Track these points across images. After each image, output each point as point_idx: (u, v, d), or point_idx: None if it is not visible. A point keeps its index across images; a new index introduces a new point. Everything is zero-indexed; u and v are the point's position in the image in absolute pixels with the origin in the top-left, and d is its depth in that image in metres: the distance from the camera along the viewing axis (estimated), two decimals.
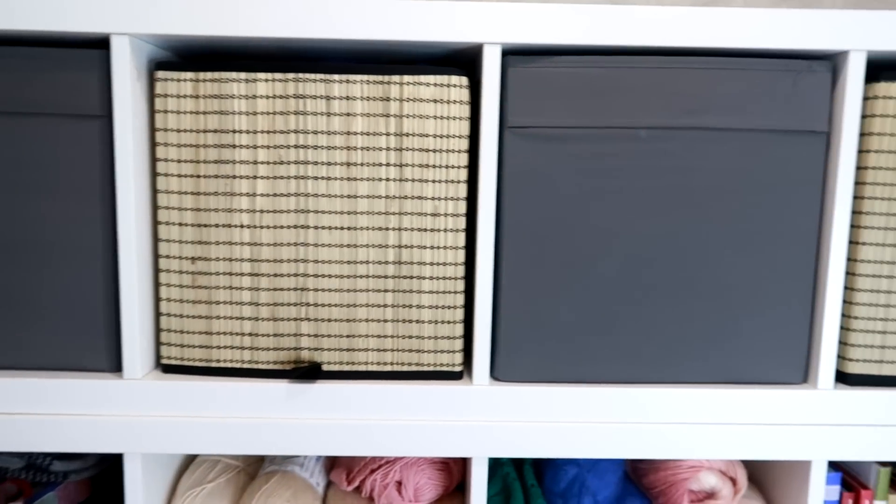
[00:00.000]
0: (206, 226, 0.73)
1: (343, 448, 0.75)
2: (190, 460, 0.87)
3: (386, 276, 0.74)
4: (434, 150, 0.72)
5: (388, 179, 0.72)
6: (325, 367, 0.75)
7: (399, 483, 0.81)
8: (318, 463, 0.88)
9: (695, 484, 0.80)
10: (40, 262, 0.73)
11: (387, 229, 0.73)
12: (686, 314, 0.75)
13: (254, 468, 0.88)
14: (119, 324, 0.74)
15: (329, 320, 0.74)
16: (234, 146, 0.71)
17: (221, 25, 0.69)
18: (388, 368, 0.76)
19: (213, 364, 0.75)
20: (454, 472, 0.83)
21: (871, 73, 0.73)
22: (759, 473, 0.89)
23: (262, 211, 0.72)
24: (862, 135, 0.73)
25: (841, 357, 0.77)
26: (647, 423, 0.75)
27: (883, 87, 0.72)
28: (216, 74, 0.71)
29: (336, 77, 0.70)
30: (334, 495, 0.85)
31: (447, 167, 0.72)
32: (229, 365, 0.75)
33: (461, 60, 0.78)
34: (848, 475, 0.88)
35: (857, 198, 0.75)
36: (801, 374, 0.77)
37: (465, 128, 0.72)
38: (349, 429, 0.75)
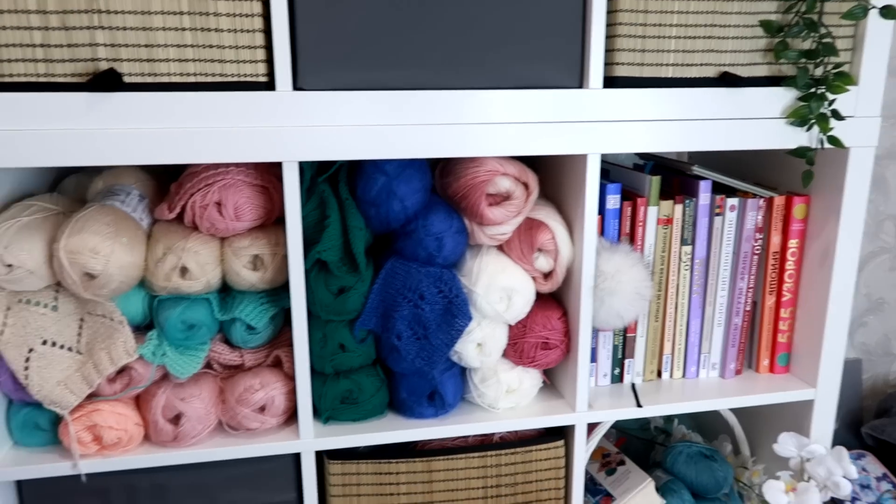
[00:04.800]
0: None
1: (151, 156, 0.77)
2: (5, 207, 0.86)
3: None
4: None
5: None
6: (126, 79, 0.76)
7: (219, 204, 0.85)
8: (140, 202, 0.90)
9: (492, 187, 0.89)
10: None
11: None
12: (475, 20, 0.81)
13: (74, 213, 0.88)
14: None
15: (125, 28, 0.75)
16: None
17: None
18: (192, 80, 0.78)
19: (6, 79, 0.74)
20: (275, 197, 0.88)
21: None
22: (549, 188, 1.00)
23: None
24: None
25: (608, 63, 0.87)
26: (441, 124, 0.83)
27: None
28: None
29: None
30: (159, 228, 0.88)
31: None
32: (23, 79, 0.74)
33: None
34: (626, 188, 1.02)
35: None
36: (577, 78, 0.87)
37: None
38: (155, 137, 0.77)
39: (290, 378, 0.91)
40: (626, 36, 0.86)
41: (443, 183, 0.93)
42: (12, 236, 0.81)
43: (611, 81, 0.87)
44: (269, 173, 0.88)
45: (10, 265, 0.80)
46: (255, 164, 0.87)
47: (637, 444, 1.26)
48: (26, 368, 0.83)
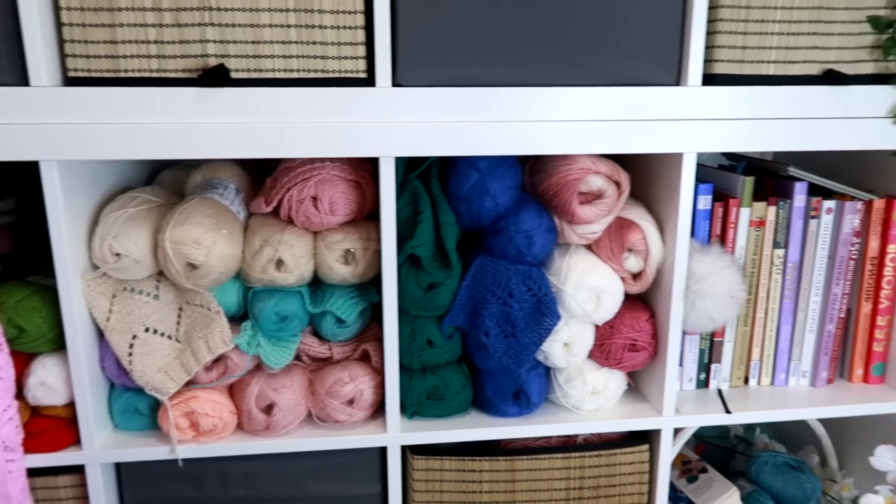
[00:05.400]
0: None
1: (256, 150, 0.79)
2: (113, 198, 0.89)
3: None
4: None
5: None
6: (233, 75, 0.78)
7: (314, 198, 0.86)
8: (237, 196, 0.92)
9: (583, 186, 0.89)
10: None
11: None
12: (571, 17, 0.81)
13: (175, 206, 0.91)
14: (21, 36, 0.74)
15: (234, 25, 0.77)
16: None
17: None
18: (295, 75, 0.79)
19: (121, 74, 0.77)
20: (367, 192, 0.89)
21: None
22: (638, 188, 0.98)
23: None
24: None
25: (707, 61, 0.85)
26: (538, 121, 0.83)
27: None
28: None
29: None
30: (255, 221, 0.90)
31: None
32: (137, 74, 0.77)
33: None
34: (718, 189, 0.99)
35: None
36: (674, 75, 0.85)
37: None
38: (259, 131, 0.79)
39: (378, 372, 0.92)
40: (726, 32, 0.84)
41: (533, 181, 0.93)
42: (120, 226, 0.84)
43: (709, 79, 0.85)
44: (361, 168, 0.89)
45: (118, 254, 0.83)
46: (349, 159, 0.88)
47: (716, 452, 1.22)
48: (130, 354, 0.85)
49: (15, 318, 0.82)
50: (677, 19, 0.83)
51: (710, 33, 0.84)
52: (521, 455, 0.94)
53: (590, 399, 0.96)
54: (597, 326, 0.94)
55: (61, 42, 0.77)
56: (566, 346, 0.93)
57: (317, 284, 0.93)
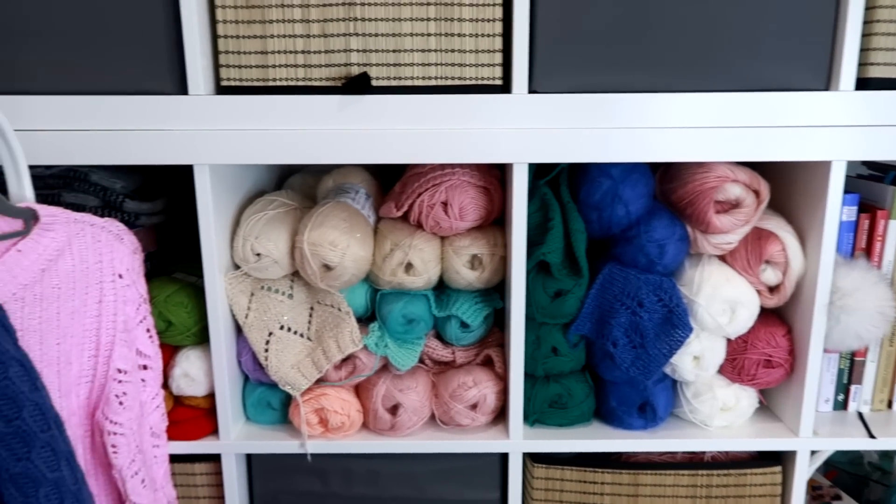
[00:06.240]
0: None
1: (393, 155, 0.81)
2: (250, 201, 0.94)
3: None
4: None
5: None
6: (374, 83, 0.80)
7: (445, 203, 0.87)
8: (367, 200, 0.95)
9: (721, 195, 0.85)
10: None
11: None
12: (712, 20, 0.79)
13: (307, 209, 0.94)
14: (182, 48, 0.79)
15: (376, 35, 0.79)
16: None
17: None
18: (433, 83, 0.81)
19: (270, 83, 0.81)
20: (495, 198, 0.89)
21: None
22: (776, 198, 0.94)
23: None
24: None
25: (861, 64, 0.81)
26: (676, 127, 0.80)
27: None
28: None
29: None
30: (385, 225, 0.92)
31: None
32: (284, 83, 0.81)
33: None
34: (863, 200, 0.94)
35: None
36: (824, 80, 0.81)
37: None
38: (398, 138, 0.81)
39: (501, 378, 0.92)
40: (884, 34, 0.79)
41: (665, 189, 0.90)
42: (261, 228, 0.88)
43: (863, 83, 0.81)
44: (490, 175, 0.89)
45: (258, 254, 0.87)
46: (478, 165, 0.89)
47: (847, 478, 1.15)
48: (266, 350, 0.89)
49: (164, 312, 0.88)
50: (829, 21, 0.79)
51: (866, 35, 0.80)
52: (645, 469, 0.92)
53: (719, 415, 0.92)
54: (729, 340, 0.91)
55: (216, 53, 0.81)
56: (696, 359, 0.90)
57: (441, 289, 0.94)
